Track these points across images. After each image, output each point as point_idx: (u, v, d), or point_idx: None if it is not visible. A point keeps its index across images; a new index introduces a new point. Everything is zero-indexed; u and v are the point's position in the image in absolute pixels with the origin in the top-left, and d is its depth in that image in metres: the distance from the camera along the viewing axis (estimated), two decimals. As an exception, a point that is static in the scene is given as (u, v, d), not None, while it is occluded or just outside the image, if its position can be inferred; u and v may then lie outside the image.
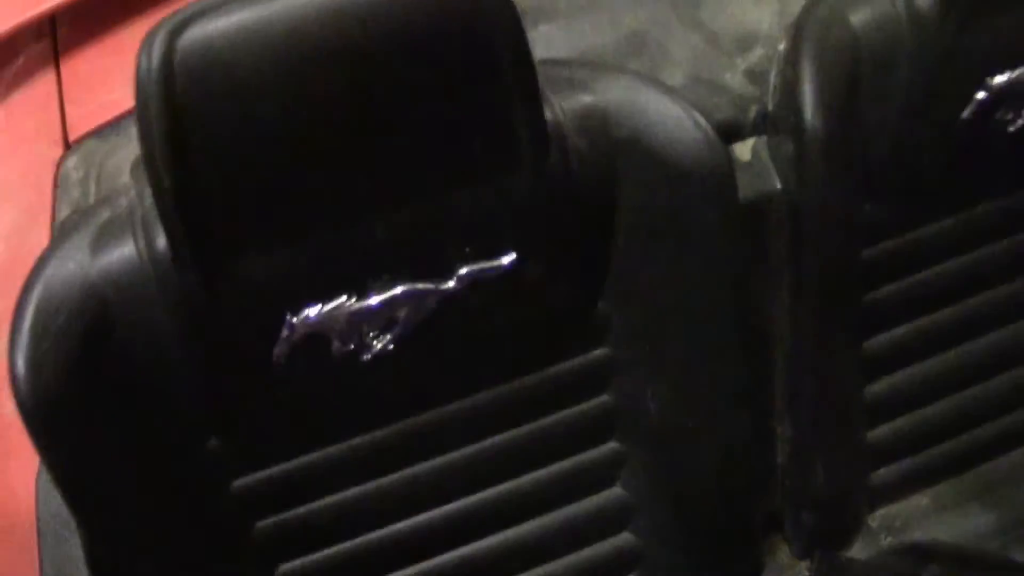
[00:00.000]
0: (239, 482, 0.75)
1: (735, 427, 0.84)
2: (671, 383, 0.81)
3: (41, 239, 0.81)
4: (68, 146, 0.87)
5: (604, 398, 0.82)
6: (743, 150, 0.83)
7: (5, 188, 0.87)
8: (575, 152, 0.70)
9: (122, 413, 0.67)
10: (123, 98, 0.88)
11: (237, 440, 0.73)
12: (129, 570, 0.71)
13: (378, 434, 0.77)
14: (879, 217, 0.84)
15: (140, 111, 0.57)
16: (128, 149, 0.84)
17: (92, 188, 0.83)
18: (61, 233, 0.65)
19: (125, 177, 0.80)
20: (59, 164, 0.86)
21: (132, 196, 0.65)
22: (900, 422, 0.96)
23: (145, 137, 0.58)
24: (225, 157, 0.59)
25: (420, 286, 0.68)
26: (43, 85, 0.93)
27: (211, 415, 0.71)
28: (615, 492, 0.88)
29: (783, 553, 0.98)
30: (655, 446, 0.85)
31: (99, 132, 0.87)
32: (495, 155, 0.65)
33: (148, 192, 0.63)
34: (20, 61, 0.96)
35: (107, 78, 0.93)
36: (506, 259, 0.69)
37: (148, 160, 0.59)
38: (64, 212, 0.82)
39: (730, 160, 0.74)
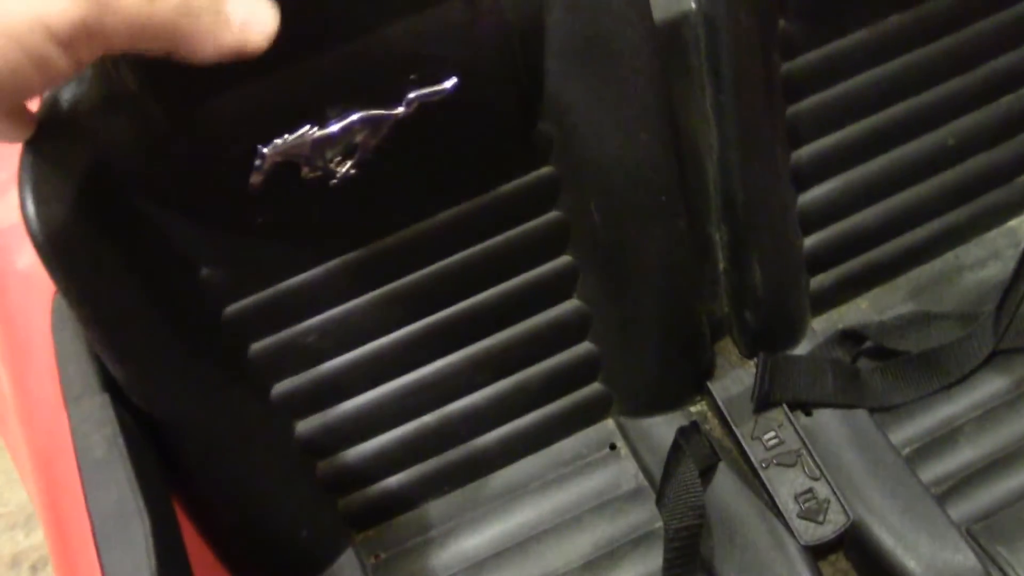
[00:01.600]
0: (231, 308, 0.85)
1: (674, 234, 0.92)
2: (611, 196, 0.89)
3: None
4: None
5: (553, 214, 0.91)
6: None
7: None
8: None
9: (122, 246, 0.75)
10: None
11: (225, 268, 0.82)
12: (142, 389, 0.81)
13: (351, 256, 0.86)
14: (794, 33, 0.92)
15: None
16: None
17: None
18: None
19: None
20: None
21: None
22: (833, 229, 1.04)
23: None
24: None
25: (374, 112, 0.76)
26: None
27: (199, 245, 0.80)
28: (573, 303, 0.97)
29: (733, 354, 1.08)
30: (604, 257, 0.94)
31: None
32: None
33: None
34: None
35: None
36: (449, 83, 0.77)
37: None
38: None
39: None
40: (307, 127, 0.75)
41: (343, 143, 0.76)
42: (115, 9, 0.53)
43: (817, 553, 0.98)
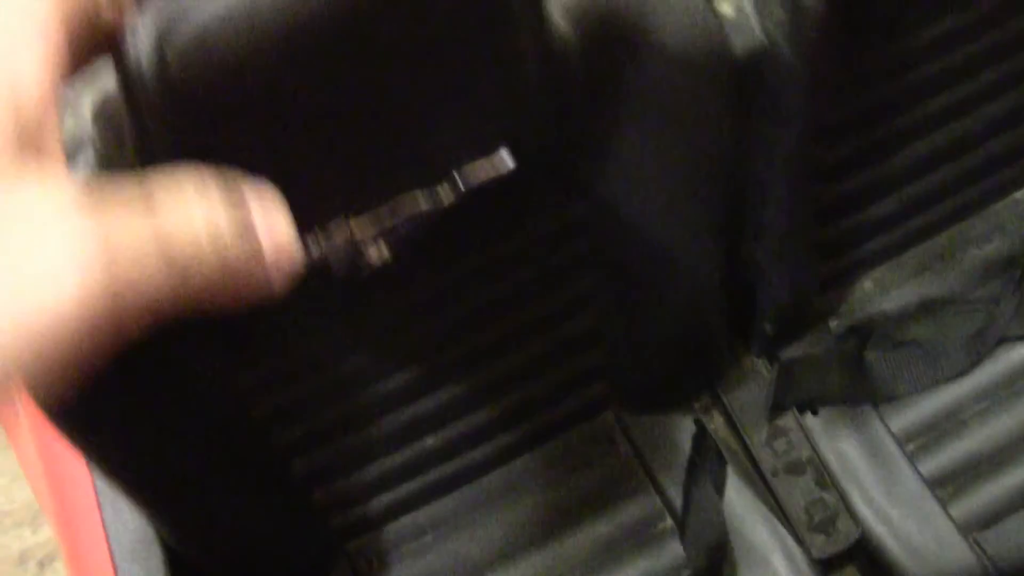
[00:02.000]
0: (239, 381, 0.76)
1: (707, 256, 0.86)
2: (654, 233, 0.81)
3: None
4: None
5: (580, 245, 0.83)
6: (727, 7, 0.79)
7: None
8: (570, 44, 0.66)
9: (141, 371, 0.66)
10: None
11: (235, 347, 0.73)
12: (146, 482, 0.73)
13: (371, 315, 0.77)
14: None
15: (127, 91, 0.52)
16: None
17: None
18: None
19: None
20: None
21: (99, 147, 0.61)
22: (847, 221, 0.99)
23: (134, 110, 0.53)
24: (214, 119, 0.55)
25: (416, 201, 0.65)
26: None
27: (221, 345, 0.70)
28: (585, 322, 0.90)
29: (742, 354, 1.04)
30: (629, 284, 0.87)
31: None
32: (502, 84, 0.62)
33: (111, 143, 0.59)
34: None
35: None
36: (507, 161, 0.65)
37: (140, 131, 0.54)
38: None
39: (728, 47, 0.72)
40: (341, 222, 0.64)
41: (380, 235, 0.65)
42: (137, 291, 0.35)
43: (827, 564, 0.97)
